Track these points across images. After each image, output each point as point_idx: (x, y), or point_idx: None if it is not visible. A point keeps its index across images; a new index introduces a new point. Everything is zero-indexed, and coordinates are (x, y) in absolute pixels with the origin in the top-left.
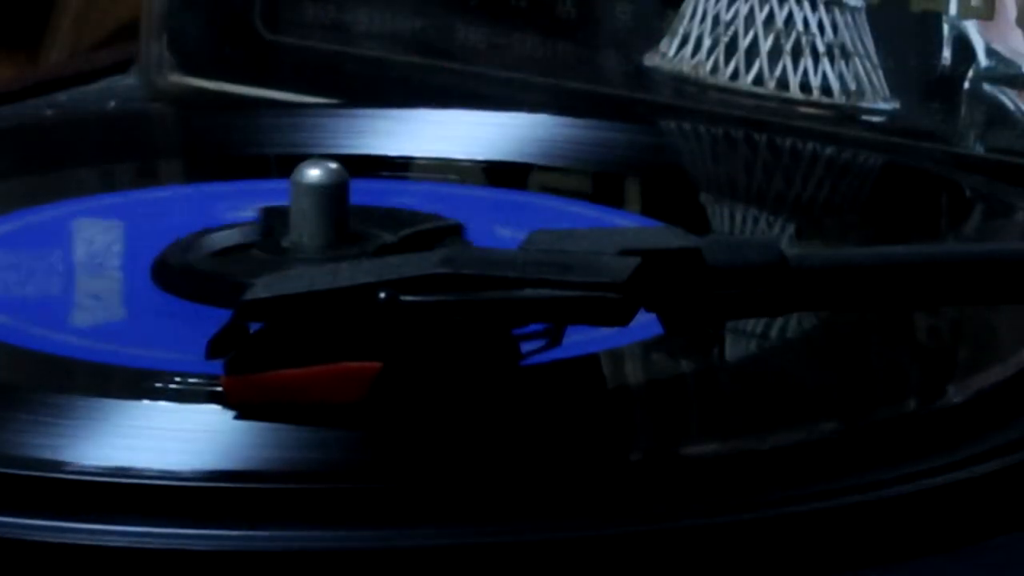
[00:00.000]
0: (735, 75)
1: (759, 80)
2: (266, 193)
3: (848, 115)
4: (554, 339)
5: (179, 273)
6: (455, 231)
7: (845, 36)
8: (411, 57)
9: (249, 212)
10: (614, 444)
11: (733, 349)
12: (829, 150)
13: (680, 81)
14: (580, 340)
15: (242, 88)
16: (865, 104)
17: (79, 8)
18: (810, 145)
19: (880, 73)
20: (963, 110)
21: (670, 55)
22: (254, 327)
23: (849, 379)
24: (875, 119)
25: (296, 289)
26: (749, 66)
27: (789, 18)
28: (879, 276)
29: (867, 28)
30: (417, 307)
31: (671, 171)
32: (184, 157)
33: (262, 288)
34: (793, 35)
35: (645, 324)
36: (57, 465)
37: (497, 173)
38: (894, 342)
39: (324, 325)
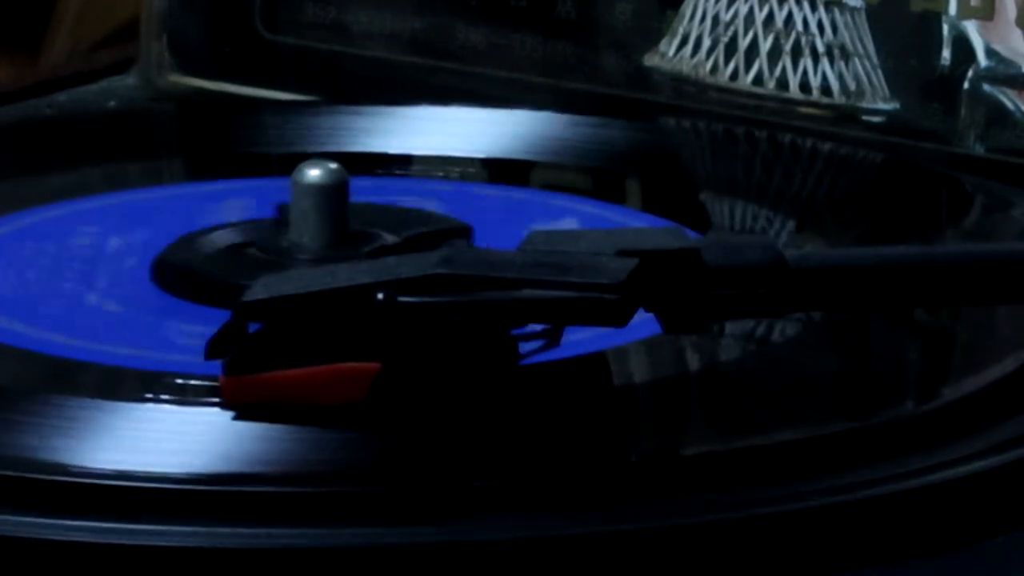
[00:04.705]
0: (735, 75)
1: (759, 80)
2: (266, 192)
3: (848, 115)
4: (552, 339)
5: (179, 273)
6: (461, 233)
7: (845, 36)
8: (411, 57)
9: (249, 211)
10: (613, 443)
11: (732, 348)
12: (829, 149)
13: (680, 81)
14: (579, 340)
15: (242, 88)
16: (865, 104)
17: (79, 8)
18: (810, 144)
19: (880, 73)
20: (963, 110)
21: (670, 55)
22: (253, 327)
23: (849, 377)
24: (875, 119)
25: (294, 290)
26: (749, 66)
27: (789, 18)
28: (878, 276)
29: (867, 28)
30: (415, 308)
31: (672, 168)
32: (184, 156)
33: (261, 288)
34: (793, 35)
35: (644, 323)
36: (55, 467)
37: (498, 170)
38: (893, 341)
39: (322, 326)
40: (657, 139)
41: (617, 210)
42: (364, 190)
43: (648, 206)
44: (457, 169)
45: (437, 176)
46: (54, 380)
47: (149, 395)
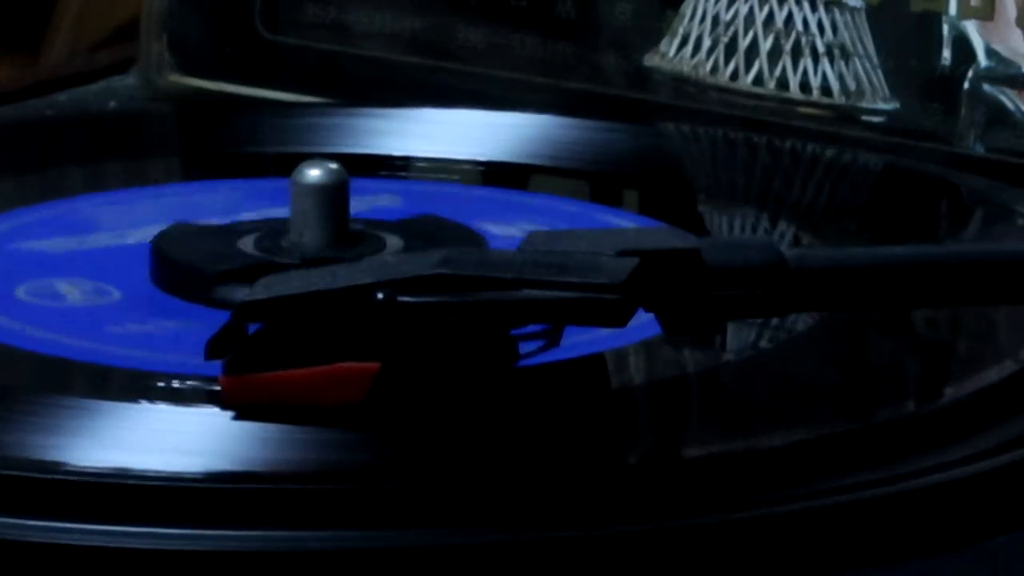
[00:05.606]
0: (735, 75)
1: (759, 80)
2: (266, 193)
3: (848, 115)
4: (552, 340)
5: (178, 273)
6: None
7: (845, 36)
8: (411, 57)
9: (248, 212)
10: (613, 444)
11: (732, 349)
12: (829, 151)
13: (680, 81)
14: (579, 341)
15: (242, 88)
16: (865, 104)
17: (79, 8)
18: (810, 146)
19: (880, 73)
20: (963, 110)
21: (670, 55)
22: (253, 327)
23: (849, 378)
24: (875, 119)
25: (294, 290)
26: (749, 66)
27: (789, 18)
28: (879, 276)
29: (867, 28)
30: (415, 308)
31: (670, 172)
32: (184, 157)
33: (261, 288)
34: (793, 35)
35: (644, 324)
36: (55, 466)
37: (497, 173)
38: (894, 341)
39: (322, 325)
40: (657, 143)
41: (617, 214)
42: (364, 192)
43: (648, 210)
44: (457, 172)
45: (436, 179)
46: (53, 380)
47: (149, 396)
